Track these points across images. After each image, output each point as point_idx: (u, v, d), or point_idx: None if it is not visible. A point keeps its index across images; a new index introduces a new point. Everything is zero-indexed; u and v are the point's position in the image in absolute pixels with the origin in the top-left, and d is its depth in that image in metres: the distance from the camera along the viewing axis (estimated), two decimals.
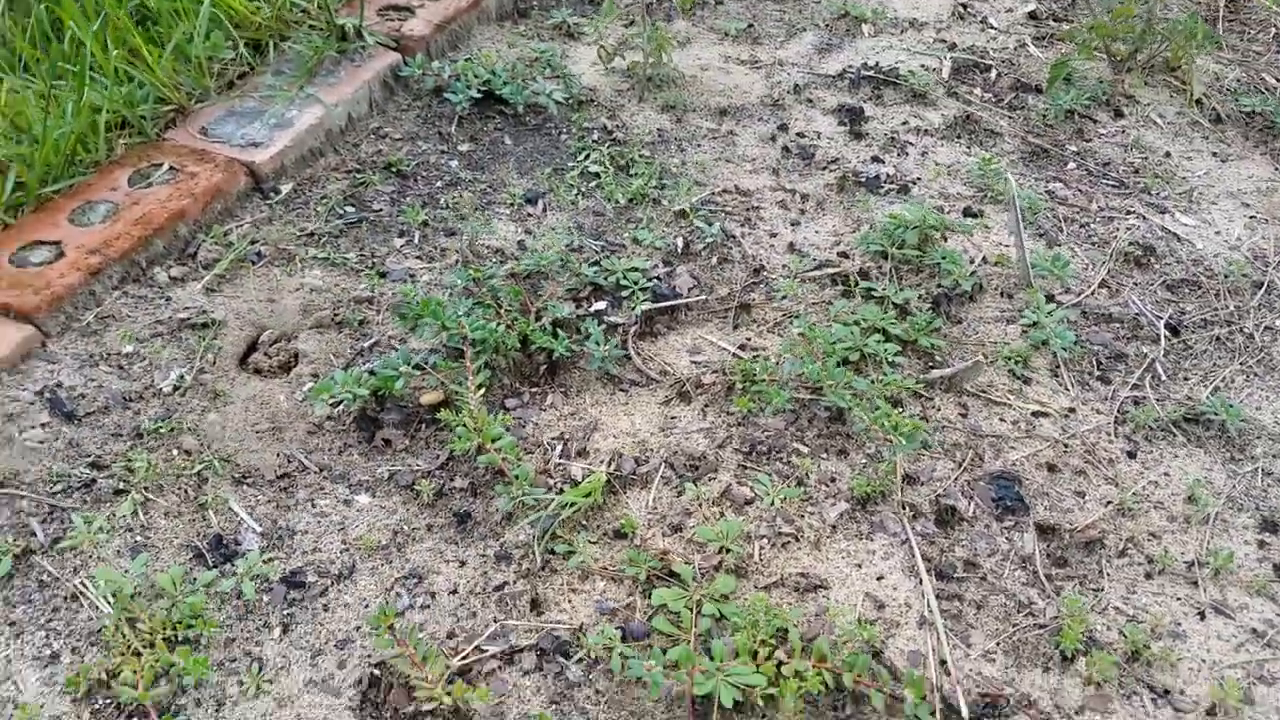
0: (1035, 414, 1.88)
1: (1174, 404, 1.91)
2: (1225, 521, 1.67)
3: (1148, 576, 1.57)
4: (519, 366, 1.89)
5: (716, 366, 1.90)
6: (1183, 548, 1.62)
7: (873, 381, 1.80)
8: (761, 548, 1.57)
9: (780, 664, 1.36)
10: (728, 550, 1.53)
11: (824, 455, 1.74)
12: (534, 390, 1.86)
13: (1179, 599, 1.54)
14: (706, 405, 1.84)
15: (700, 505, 1.64)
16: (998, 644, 1.46)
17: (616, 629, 1.41)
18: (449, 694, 1.31)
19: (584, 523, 1.61)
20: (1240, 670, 1.42)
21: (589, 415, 1.82)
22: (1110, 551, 1.61)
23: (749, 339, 2.00)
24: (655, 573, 1.51)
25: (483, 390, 1.73)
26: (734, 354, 1.96)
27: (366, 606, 1.49)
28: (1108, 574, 1.57)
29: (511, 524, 1.59)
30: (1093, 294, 2.14)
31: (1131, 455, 1.81)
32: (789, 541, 1.58)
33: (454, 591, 1.51)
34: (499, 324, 1.86)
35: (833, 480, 1.69)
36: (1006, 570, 1.57)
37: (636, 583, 1.51)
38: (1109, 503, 1.70)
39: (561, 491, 1.62)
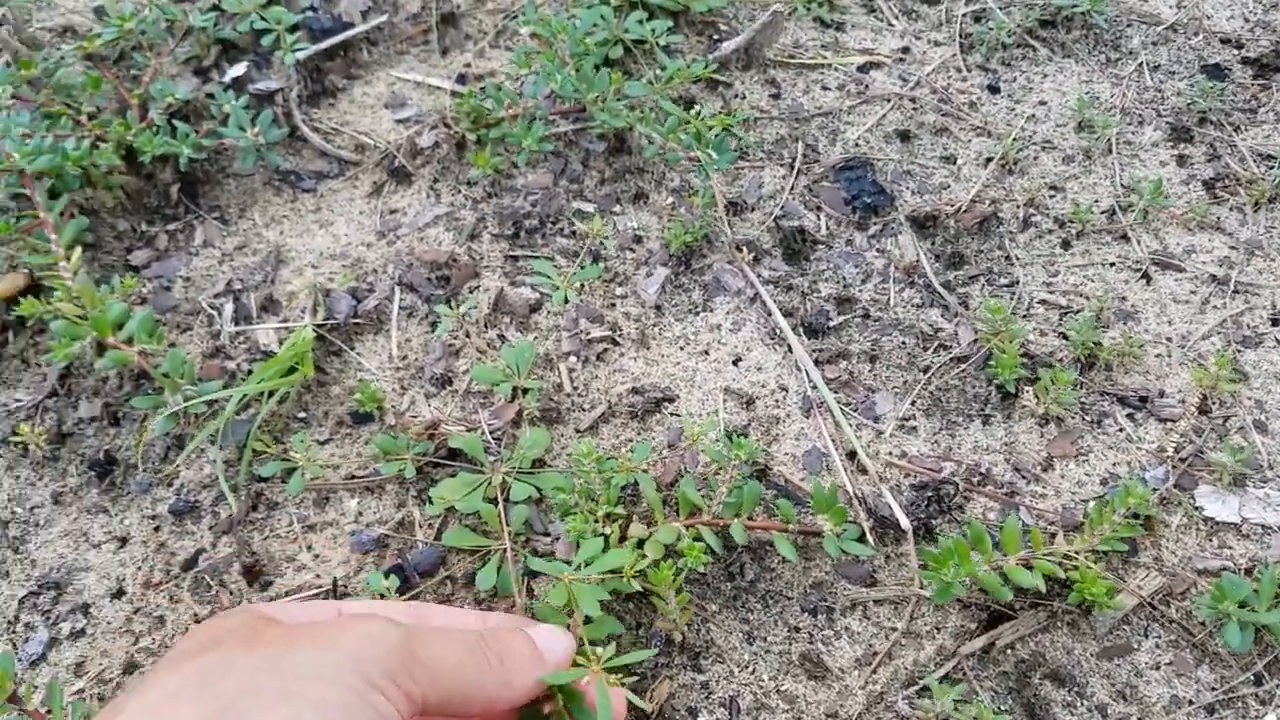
0: (863, 68, 1.40)
1: (1021, 7, 1.47)
2: (1130, 143, 1.29)
3: (1065, 245, 1.19)
4: (137, 197, 1.22)
5: (434, 118, 1.29)
6: (1094, 193, 1.24)
7: (650, 81, 1.25)
8: (572, 369, 1.07)
9: (640, 541, 0.91)
10: (524, 391, 1.02)
11: (617, 208, 1.22)
12: (171, 227, 1.22)
13: (1112, 264, 1.16)
14: (436, 179, 1.25)
15: (468, 334, 1.10)
16: (914, 403, 1.05)
17: (388, 573, 0.89)
18: None
19: (300, 415, 1.05)
20: (1217, 337, 1.08)
21: (265, 242, 1.20)
22: (1010, 225, 1.21)
23: (468, 65, 1.38)
24: (428, 460, 0.99)
25: (80, 251, 1.08)
26: (452, 92, 1.34)
27: None
28: (1016, 257, 1.18)
29: (184, 451, 1.02)
30: None
31: (994, 90, 1.38)
32: (606, 348, 1.09)
33: (119, 594, 0.94)
34: (80, 138, 1.17)
35: (638, 240, 1.18)
36: (891, 294, 1.15)
37: (405, 485, 0.99)
38: (988, 160, 1.28)
39: (250, 374, 1.04)
